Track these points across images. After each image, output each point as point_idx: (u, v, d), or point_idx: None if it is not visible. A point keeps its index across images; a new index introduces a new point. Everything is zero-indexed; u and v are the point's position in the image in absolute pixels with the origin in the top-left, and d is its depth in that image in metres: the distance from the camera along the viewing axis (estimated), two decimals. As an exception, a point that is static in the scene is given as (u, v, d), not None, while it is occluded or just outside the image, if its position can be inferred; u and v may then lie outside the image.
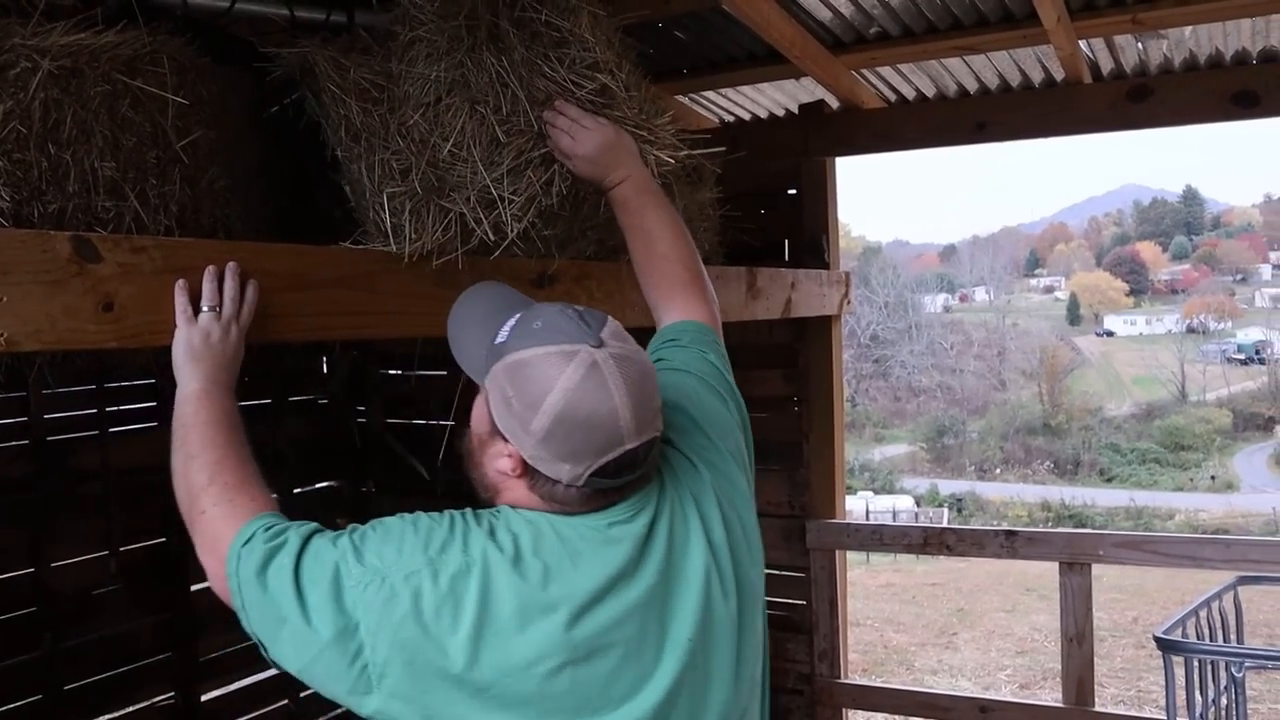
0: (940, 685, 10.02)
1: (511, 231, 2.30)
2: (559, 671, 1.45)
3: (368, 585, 1.46)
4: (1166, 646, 3.12)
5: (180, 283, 1.84)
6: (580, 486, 1.53)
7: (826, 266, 5.30)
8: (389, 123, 2.37)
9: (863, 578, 23.30)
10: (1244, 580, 4.51)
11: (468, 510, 1.58)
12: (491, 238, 2.32)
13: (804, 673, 5.72)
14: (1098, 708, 4.93)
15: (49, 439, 4.50)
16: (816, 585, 5.63)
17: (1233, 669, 3.36)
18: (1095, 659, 4.61)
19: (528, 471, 1.56)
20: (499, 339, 1.57)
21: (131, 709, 4.83)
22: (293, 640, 1.47)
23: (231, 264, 1.89)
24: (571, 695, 1.46)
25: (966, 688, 10.39)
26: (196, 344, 1.81)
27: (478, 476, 1.68)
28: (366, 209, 2.40)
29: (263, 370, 5.27)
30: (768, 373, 5.62)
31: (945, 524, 30.62)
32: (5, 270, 1.63)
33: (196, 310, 1.84)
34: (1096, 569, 4.56)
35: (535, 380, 1.49)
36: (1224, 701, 3.70)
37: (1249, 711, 5.45)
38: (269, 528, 1.57)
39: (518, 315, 1.60)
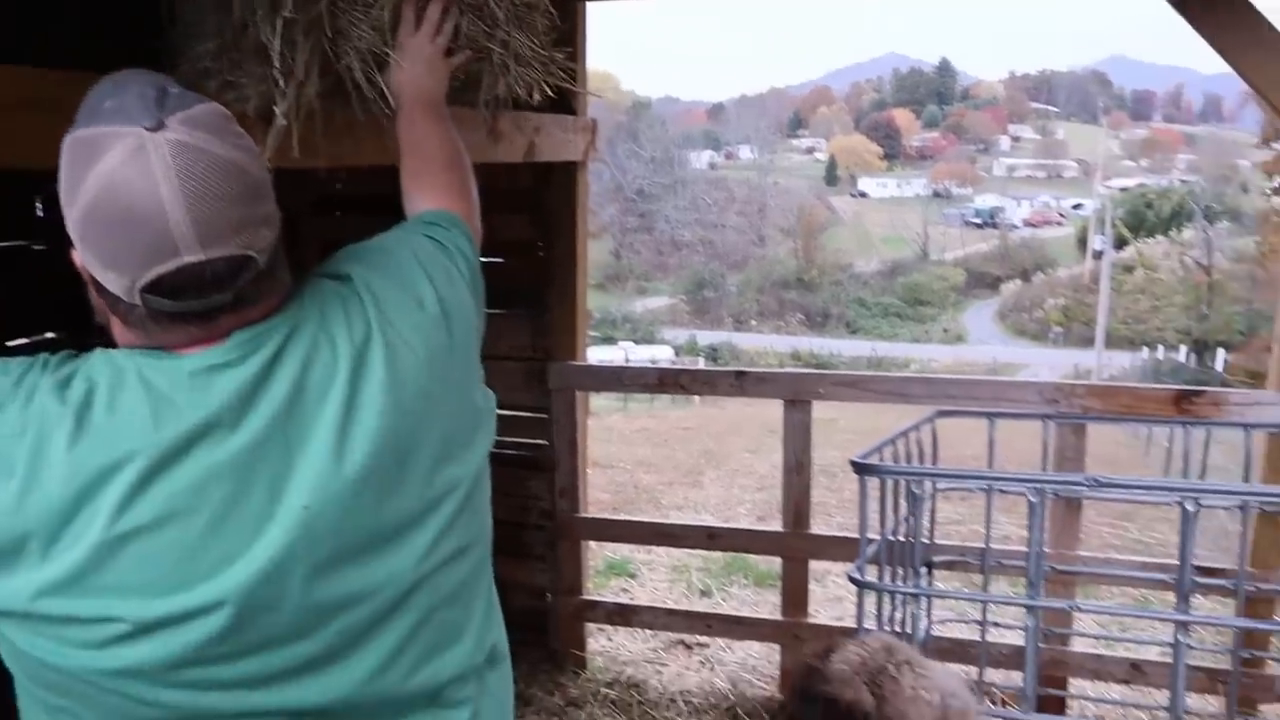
0: (682, 519, 10.49)
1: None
2: (121, 545, 1.22)
3: None
4: (861, 470, 3.36)
5: None
6: (137, 306, 1.28)
7: (573, 113, 5.19)
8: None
9: (619, 423, 24.15)
10: (942, 413, 4.93)
11: (56, 355, 1.35)
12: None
13: (545, 509, 5.87)
14: (813, 531, 5.34)
15: None
16: (557, 426, 5.73)
17: (913, 486, 3.67)
18: (829, 492, 5.09)
19: (98, 286, 1.32)
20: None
21: None
22: None
23: None
24: (139, 571, 1.23)
25: (707, 520, 11.00)
26: None
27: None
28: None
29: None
30: (511, 217, 5.53)
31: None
32: None
33: None
34: (841, 417, 4.81)
35: (76, 165, 1.23)
36: (913, 521, 4.06)
37: (951, 533, 6.09)
38: None
39: (106, 90, 1.31)
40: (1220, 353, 33.18)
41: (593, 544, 9.44)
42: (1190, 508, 3.16)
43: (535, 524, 5.91)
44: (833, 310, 74.98)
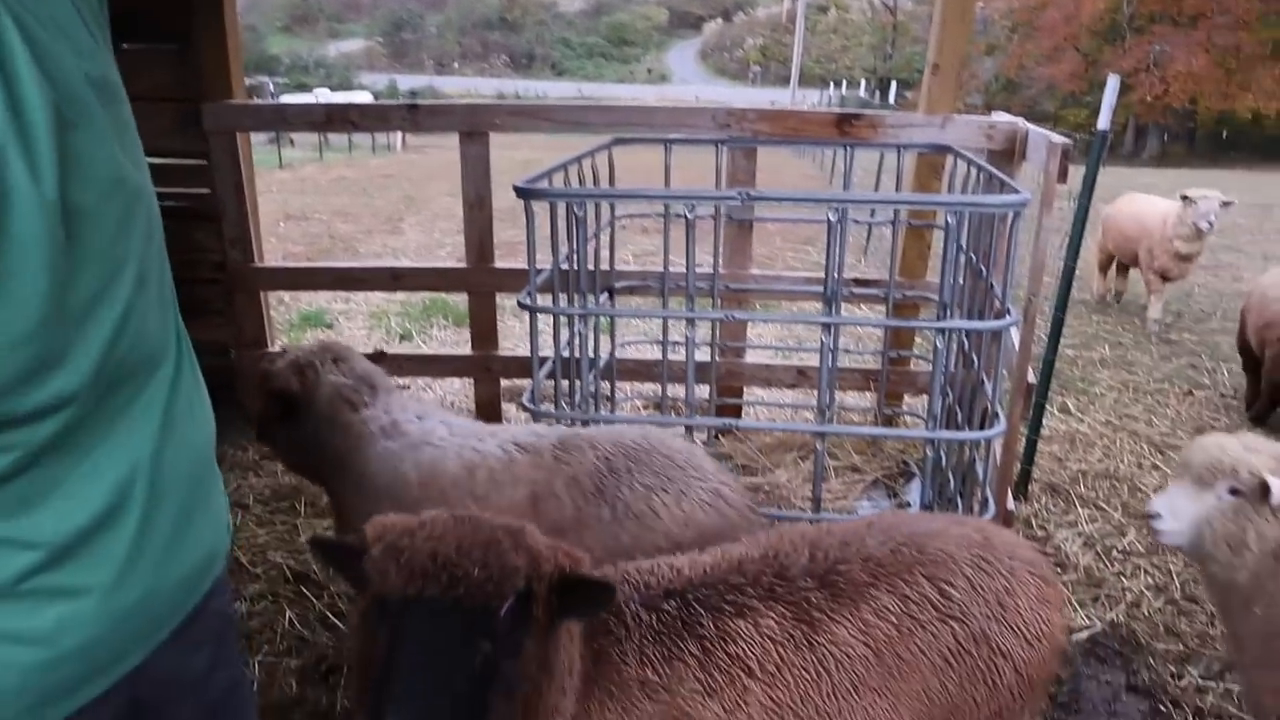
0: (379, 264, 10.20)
1: None
2: None
3: None
4: (525, 194, 3.29)
5: None
6: None
7: None
8: None
9: (315, 174, 22.86)
10: (618, 141, 4.93)
11: None
12: None
13: (217, 261, 5.47)
14: (496, 265, 5.31)
15: None
16: (219, 172, 5.25)
17: (575, 209, 3.66)
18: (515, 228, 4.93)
19: None
20: None
21: None
22: None
23: None
24: None
25: (404, 263, 10.80)
26: None
27: None
28: None
29: None
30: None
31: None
32: None
33: None
34: (546, 158, 4.62)
35: None
36: (593, 245, 4.09)
37: (646, 263, 6.14)
38: None
39: None
40: (894, 86, 35.28)
41: (286, 297, 9.10)
42: (833, 217, 3.35)
43: (208, 278, 5.51)
44: (538, 52, 73.04)
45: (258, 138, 5.79)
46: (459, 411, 6.27)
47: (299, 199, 17.53)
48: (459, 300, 8.57)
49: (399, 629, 1.71)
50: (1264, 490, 2.67)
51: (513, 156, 21.11)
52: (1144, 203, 9.99)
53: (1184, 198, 9.00)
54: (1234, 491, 2.73)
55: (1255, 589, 2.72)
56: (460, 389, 6.65)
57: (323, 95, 38.14)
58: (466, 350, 5.77)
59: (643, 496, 2.83)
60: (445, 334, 8.22)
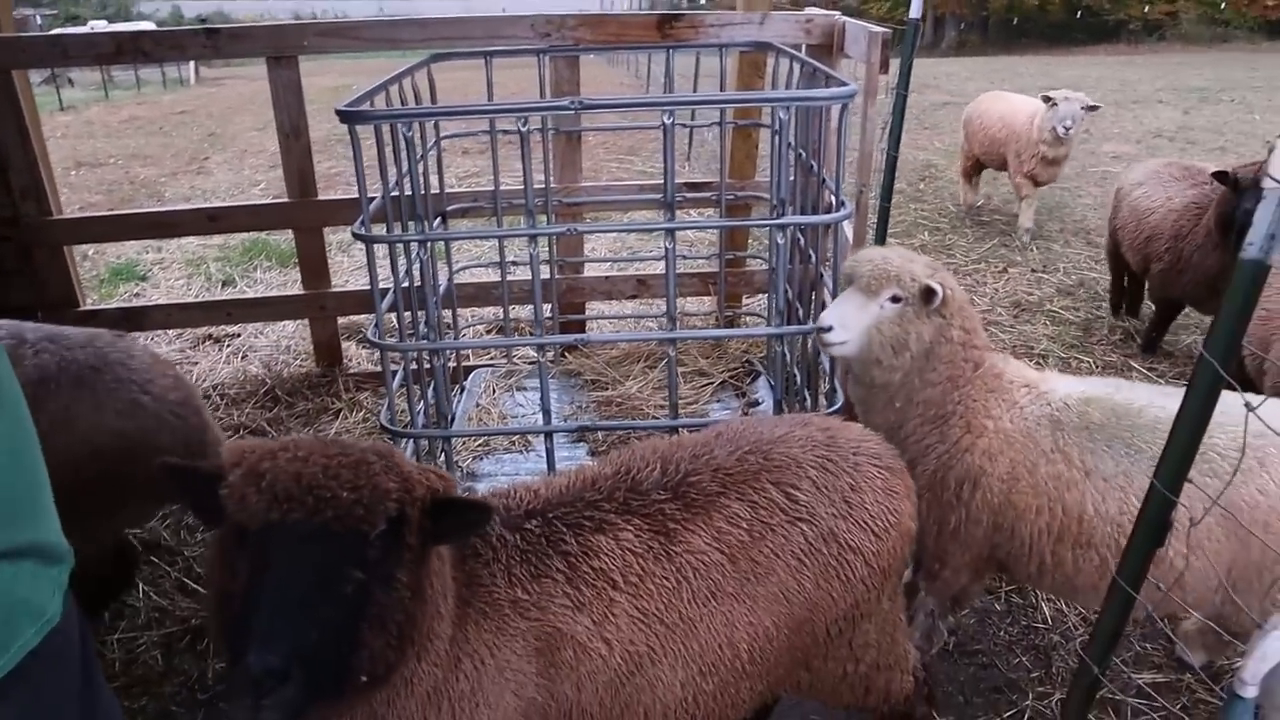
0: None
1: None
2: None
3: None
4: (348, 118, 3.13)
5: None
6: None
7: None
8: None
9: (102, 115, 21.20)
10: (436, 57, 4.73)
11: None
12: None
13: (6, 216, 5.03)
14: (321, 197, 5.08)
15: None
16: (-3, 115, 4.81)
17: (403, 130, 3.52)
18: (349, 161, 4.67)
19: None
20: None
21: None
22: None
23: None
24: None
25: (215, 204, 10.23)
26: None
27: None
28: None
29: None
30: None
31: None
32: None
33: None
34: (358, 82, 4.36)
35: None
36: (421, 167, 3.93)
37: (476, 184, 6.05)
38: None
39: None
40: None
41: (90, 250, 8.48)
42: (667, 120, 3.31)
43: (-1, 235, 5.07)
44: (332, -32, 69.43)
45: (32, 78, 5.28)
46: (296, 355, 6.04)
47: (88, 144, 16.29)
48: (282, 239, 8.20)
49: (261, 559, 1.61)
50: (927, 294, 2.97)
51: (320, 84, 20.14)
52: (1008, 103, 9.25)
53: (1045, 99, 8.40)
54: (895, 299, 3.01)
55: (902, 385, 3.11)
56: (294, 331, 6.39)
57: (100, 29, 35.35)
58: (297, 290, 5.53)
59: (64, 406, 3.05)
60: (271, 276, 7.85)
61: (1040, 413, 3.08)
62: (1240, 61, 29.43)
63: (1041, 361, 5.92)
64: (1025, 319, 6.79)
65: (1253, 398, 1.98)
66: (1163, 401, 2.99)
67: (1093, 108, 8.28)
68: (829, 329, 3.07)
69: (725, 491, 2.26)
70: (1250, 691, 1.95)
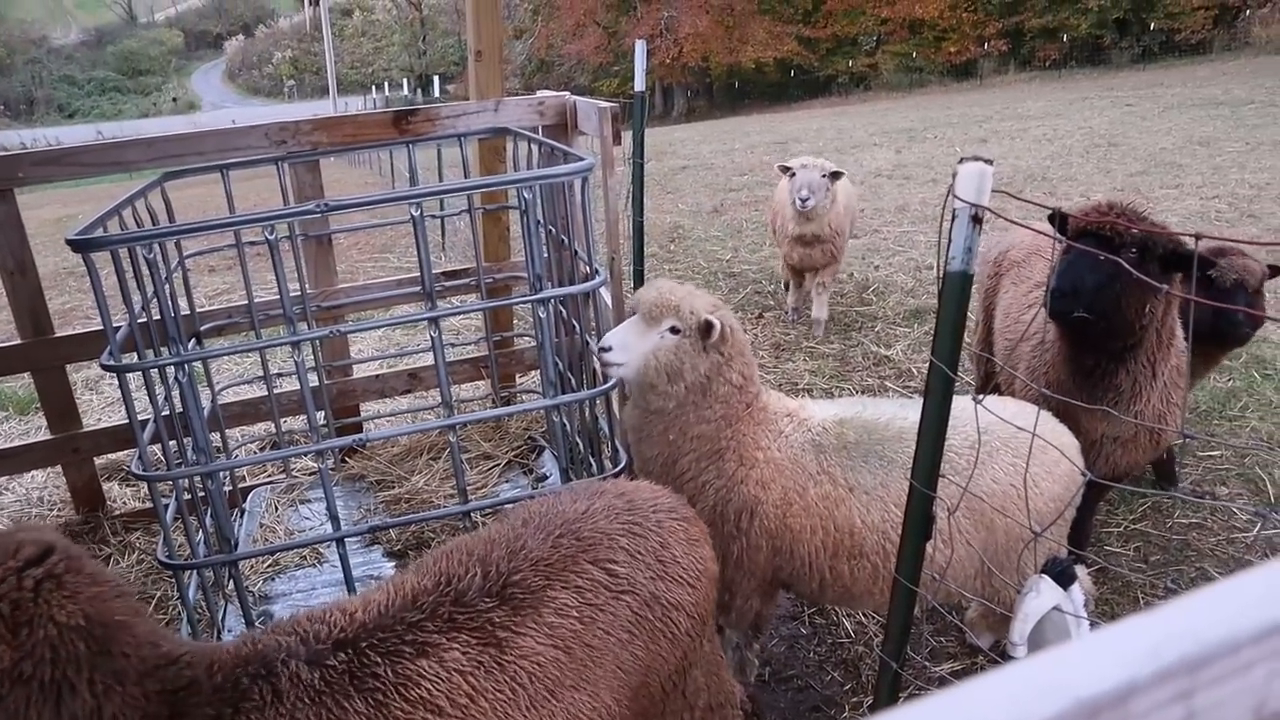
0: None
1: None
2: None
3: None
4: (81, 246, 3.00)
5: None
6: None
7: None
8: None
9: None
10: (169, 175, 4.59)
11: None
12: None
13: None
14: (60, 334, 4.78)
15: None
16: None
17: (143, 252, 3.42)
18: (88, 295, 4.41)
19: None
20: None
21: None
22: None
23: None
24: None
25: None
26: None
27: None
28: None
29: None
30: None
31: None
32: None
33: None
34: (81, 213, 4.16)
35: None
36: (168, 289, 3.80)
37: (227, 301, 5.83)
38: None
39: None
40: (436, 80, 35.73)
41: None
42: (414, 212, 3.37)
43: None
44: (38, 95, 65.61)
45: None
46: (51, 505, 5.61)
47: None
48: (18, 384, 7.63)
49: None
50: (705, 329, 3.20)
51: (41, 216, 18.90)
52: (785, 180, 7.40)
53: (783, 169, 7.21)
54: (675, 330, 3.22)
55: (676, 415, 3.29)
56: (45, 481, 5.93)
57: None
58: (44, 435, 5.16)
59: None
60: (9, 427, 7.26)
61: (804, 439, 3.32)
62: (937, 103, 32.65)
63: (808, 394, 6.30)
64: (786, 358, 7.21)
65: (981, 398, 2.23)
66: (905, 413, 3.30)
67: (836, 174, 7.09)
68: (609, 349, 3.24)
69: (550, 583, 2.24)
70: (1021, 651, 2.18)
